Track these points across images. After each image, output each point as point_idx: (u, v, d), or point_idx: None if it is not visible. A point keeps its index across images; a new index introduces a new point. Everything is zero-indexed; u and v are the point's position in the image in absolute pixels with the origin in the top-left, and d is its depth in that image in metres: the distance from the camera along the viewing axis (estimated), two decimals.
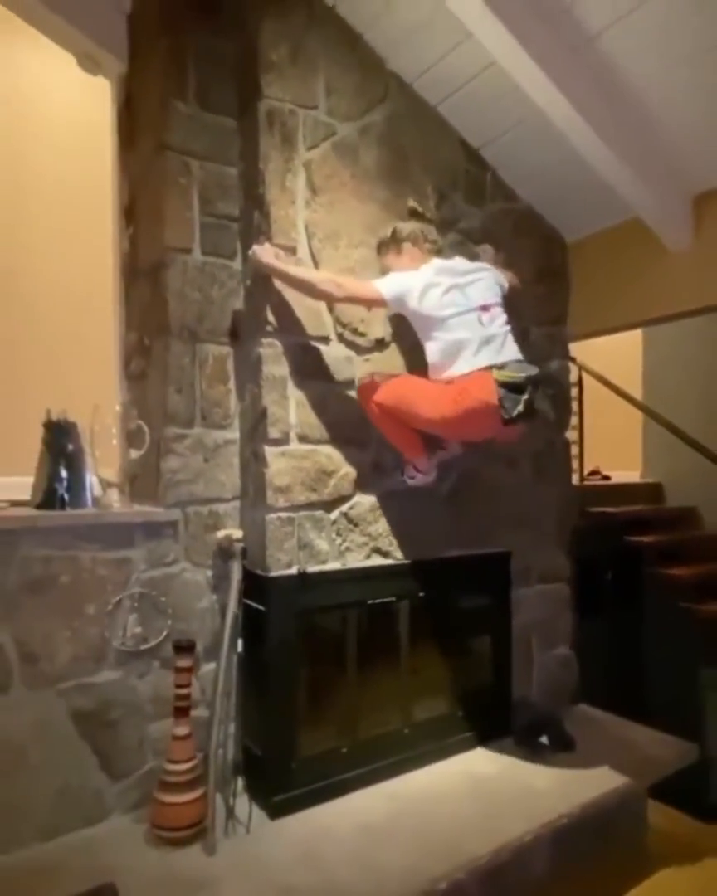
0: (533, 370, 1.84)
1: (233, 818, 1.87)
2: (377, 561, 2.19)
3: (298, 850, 1.77)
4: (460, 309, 1.91)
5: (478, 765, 2.26)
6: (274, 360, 2.00)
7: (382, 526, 2.20)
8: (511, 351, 1.93)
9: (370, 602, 2.17)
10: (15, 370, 2.82)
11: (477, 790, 2.10)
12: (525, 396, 1.79)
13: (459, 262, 2.04)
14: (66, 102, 3.05)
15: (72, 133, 3.02)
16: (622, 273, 2.65)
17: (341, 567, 2.11)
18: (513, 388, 1.79)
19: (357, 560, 2.14)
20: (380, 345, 2.21)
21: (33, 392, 2.79)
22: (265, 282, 1.98)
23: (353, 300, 1.96)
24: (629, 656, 3.58)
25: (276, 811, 1.91)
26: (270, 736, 1.96)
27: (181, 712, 1.83)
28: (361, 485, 2.15)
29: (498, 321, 1.95)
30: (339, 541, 2.11)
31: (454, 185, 2.43)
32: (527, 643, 2.61)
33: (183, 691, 1.83)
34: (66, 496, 1.96)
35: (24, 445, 2.06)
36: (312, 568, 2.04)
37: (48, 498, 1.95)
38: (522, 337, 2.62)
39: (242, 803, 1.93)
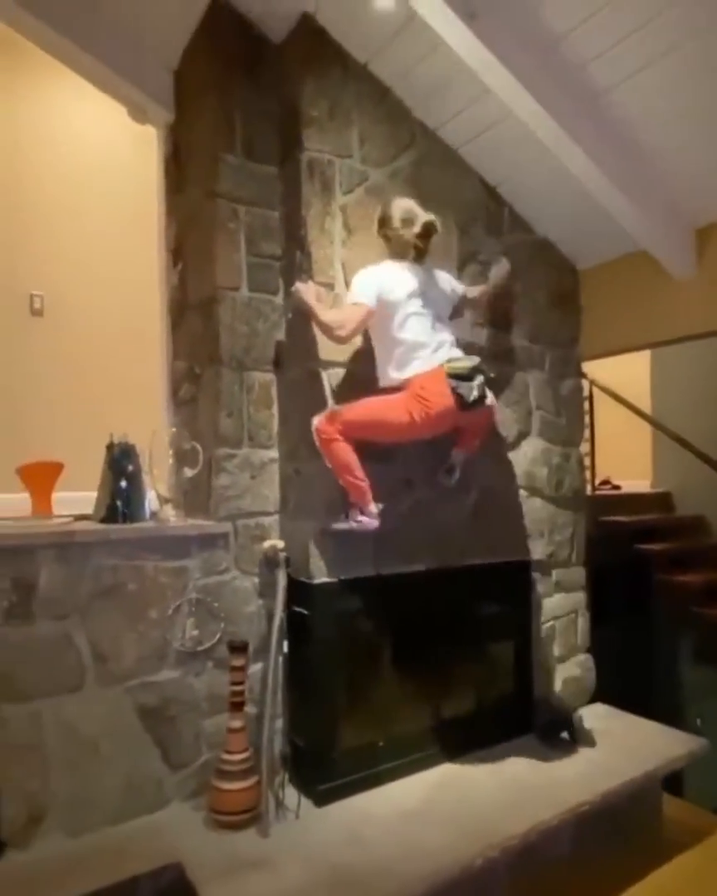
0: (476, 360, 2.09)
1: (282, 805, 2.04)
2: (410, 567, 2.37)
3: (343, 833, 1.95)
4: (421, 312, 2.11)
5: (503, 758, 2.43)
6: (312, 385, 2.19)
7: (411, 535, 2.38)
8: (454, 350, 2.15)
9: (403, 606, 2.35)
10: (71, 396, 3.05)
11: (504, 780, 2.27)
12: (476, 382, 2.03)
13: (425, 268, 2.21)
14: (108, 147, 3.29)
15: (116, 176, 3.26)
16: (630, 298, 2.84)
17: (377, 573, 2.29)
18: (463, 377, 2.03)
19: (391, 567, 2.33)
20: None
21: (86, 415, 3.02)
22: (305, 315, 2.18)
23: (357, 329, 2.08)
24: (639, 658, 3.75)
25: (321, 799, 2.09)
26: (314, 730, 2.14)
27: (236, 707, 2.02)
28: (392, 497, 2.34)
29: (447, 330, 2.18)
30: (373, 550, 2.29)
31: (474, 220, 2.63)
32: (548, 646, 2.78)
33: (238, 688, 2.02)
34: (126, 511, 2.16)
35: (80, 464, 2.27)
36: (350, 575, 2.23)
37: (111, 512, 2.15)
38: (539, 357, 2.83)
39: (289, 792, 2.10)
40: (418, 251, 2.19)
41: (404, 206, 2.18)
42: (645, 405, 4.55)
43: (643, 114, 2.14)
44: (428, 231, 2.16)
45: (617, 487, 5.00)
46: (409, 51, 2.20)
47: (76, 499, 2.28)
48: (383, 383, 2.17)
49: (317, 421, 2.08)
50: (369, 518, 2.14)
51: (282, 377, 2.31)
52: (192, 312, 2.43)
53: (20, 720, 1.83)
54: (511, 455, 2.72)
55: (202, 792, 2.09)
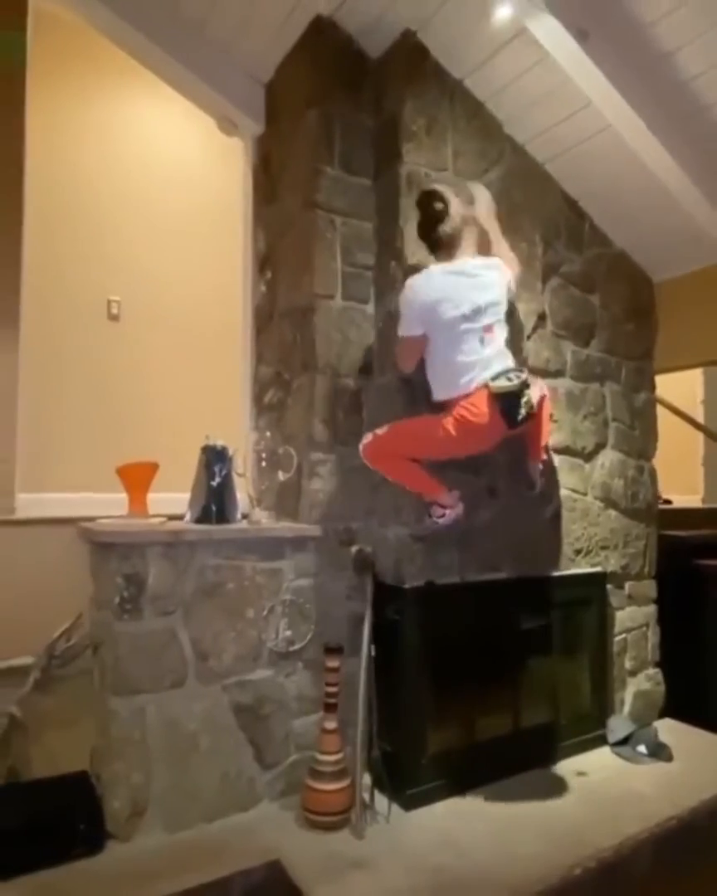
0: (522, 377, 1.98)
1: (371, 808, 2.06)
2: (491, 576, 2.39)
3: (436, 837, 1.96)
4: (470, 328, 1.99)
5: (583, 769, 2.42)
6: (401, 392, 2.23)
7: (494, 543, 2.40)
8: (500, 363, 2.02)
9: (486, 613, 2.36)
10: (147, 400, 3.12)
11: (586, 792, 2.26)
12: (524, 400, 1.96)
13: (468, 265, 2.05)
14: (186, 157, 3.37)
15: (193, 185, 3.34)
16: (707, 312, 2.85)
17: (461, 580, 2.31)
18: (510, 395, 1.96)
19: (474, 575, 2.35)
20: None
21: (162, 418, 3.08)
22: (394, 324, 2.22)
23: (414, 359, 2.11)
24: (698, 673, 3.70)
25: (409, 803, 2.10)
26: (403, 734, 2.16)
27: (330, 708, 2.04)
28: (476, 505, 2.36)
29: (497, 341, 2.04)
30: (458, 556, 2.32)
31: (557, 234, 2.67)
32: (620, 659, 2.77)
33: (332, 689, 2.05)
34: (219, 512, 2.21)
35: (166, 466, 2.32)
36: (437, 580, 2.25)
37: (205, 513, 2.20)
38: (615, 369, 2.85)
39: (378, 796, 2.12)
40: (451, 244, 2.05)
41: (439, 193, 2.05)
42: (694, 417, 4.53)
43: None
44: (431, 210, 2.03)
45: (668, 502, 4.97)
46: (508, 68, 2.25)
47: (159, 499, 2.33)
48: (435, 398, 2.14)
49: (362, 444, 2.11)
50: (449, 509, 2.17)
51: (372, 384, 2.35)
52: (281, 319, 2.48)
53: (127, 714, 1.88)
54: (587, 466, 2.73)
55: (290, 792, 2.12)
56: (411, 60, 2.27)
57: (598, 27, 1.91)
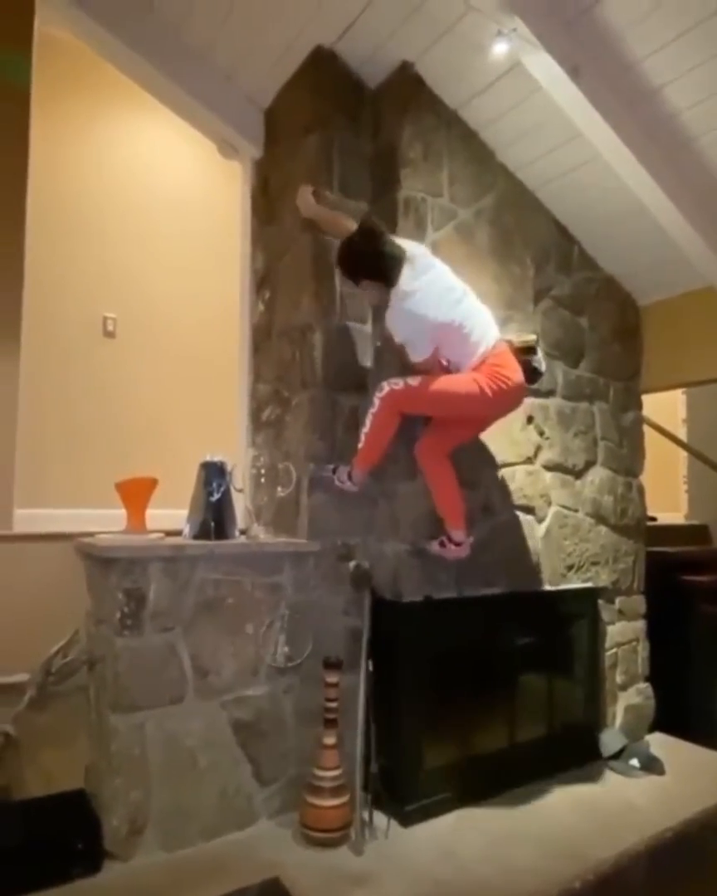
0: (534, 334, 2.06)
1: (370, 824, 2.06)
2: (487, 591, 2.42)
3: (436, 852, 1.97)
4: (458, 304, 2.02)
5: (576, 783, 2.45)
6: None
7: (490, 558, 2.44)
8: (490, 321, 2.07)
9: (482, 628, 2.39)
10: (142, 415, 3.13)
11: (581, 805, 2.29)
12: (541, 354, 2.04)
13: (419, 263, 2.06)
14: (183, 178, 3.43)
15: (190, 206, 3.40)
16: (694, 333, 2.94)
17: (457, 596, 2.34)
18: (531, 351, 2.01)
19: (470, 590, 2.38)
20: None
21: (157, 434, 3.10)
22: (390, 343, 2.27)
23: (436, 362, 2.10)
24: (683, 687, 3.75)
25: (408, 819, 2.11)
26: (401, 749, 2.17)
27: (330, 723, 2.05)
28: (472, 521, 2.40)
29: (472, 296, 2.07)
30: (455, 573, 2.35)
31: (548, 258, 2.75)
32: (612, 672, 2.81)
33: (332, 704, 2.06)
34: (218, 527, 2.22)
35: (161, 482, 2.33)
36: (434, 595, 2.28)
37: (204, 528, 2.20)
38: (604, 389, 2.92)
39: (375, 811, 2.12)
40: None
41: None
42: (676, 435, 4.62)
43: None
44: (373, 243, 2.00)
45: (653, 519, 5.05)
46: (501, 100, 2.34)
47: (154, 515, 2.34)
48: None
49: (388, 386, 2.03)
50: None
51: (369, 401, 2.38)
52: (280, 338, 2.52)
53: (127, 730, 1.87)
54: (578, 483, 2.79)
55: (288, 808, 2.12)
56: (409, 90, 2.35)
57: (590, 62, 2.01)
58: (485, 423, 2.26)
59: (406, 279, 2.01)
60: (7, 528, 2.18)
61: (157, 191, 3.38)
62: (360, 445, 2.14)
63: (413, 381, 2.03)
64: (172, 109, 2.74)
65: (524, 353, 1.98)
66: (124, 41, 2.42)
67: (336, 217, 2.20)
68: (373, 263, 2.01)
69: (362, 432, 2.14)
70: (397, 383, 2.04)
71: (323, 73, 2.38)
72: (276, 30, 2.34)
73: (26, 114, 2.34)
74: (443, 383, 2.04)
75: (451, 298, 2.03)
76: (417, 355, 2.06)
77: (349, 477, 2.20)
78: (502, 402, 2.07)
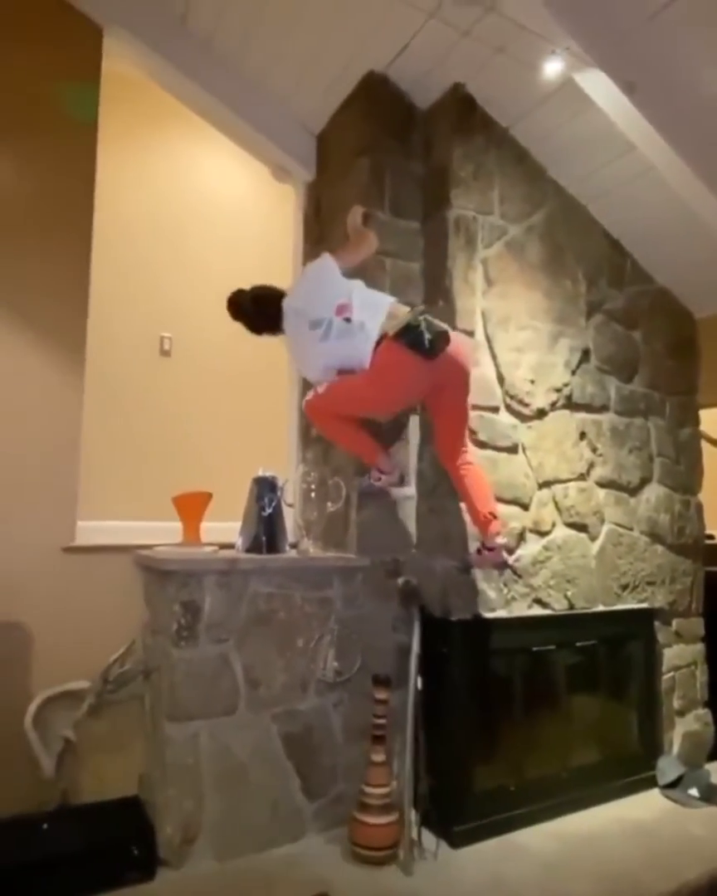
0: (417, 308, 2.01)
1: (418, 844, 2.04)
2: (538, 611, 2.39)
3: (486, 877, 1.93)
4: (324, 332, 2.04)
5: (632, 812, 2.37)
6: None
7: (541, 578, 2.41)
8: (374, 312, 2.02)
9: (533, 649, 2.36)
10: (196, 432, 3.22)
11: (638, 834, 2.21)
12: (420, 327, 1.91)
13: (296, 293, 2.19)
14: (236, 201, 3.54)
15: (243, 228, 3.50)
16: None
17: (508, 615, 2.31)
18: (405, 330, 1.93)
19: (521, 609, 2.35)
20: (541, 414, 2.47)
21: (211, 450, 3.17)
22: None
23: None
24: None
25: (457, 840, 2.08)
26: (450, 769, 2.15)
27: (379, 740, 2.05)
28: (523, 541, 2.38)
29: (358, 309, 2.02)
30: (505, 591, 2.32)
31: (600, 272, 2.72)
32: (669, 697, 2.72)
33: (380, 721, 2.05)
34: (269, 541, 2.26)
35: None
36: (484, 614, 2.26)
37: (255, 542, 2.25)
38: (659, 405, 2.86)
39: (424, 831, 2.10)
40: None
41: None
42: None
43: None
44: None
45: (711, 537, 4.87)
46: (553, 116, 2.35)
47: (207, 528, 2.39)
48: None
49: (306, 399, 2.19)
50: (386, 474, 2.22)
51: (418, 418, 2.40)
52: None
53: (182, 739, 1.91)
54: (632, 501, 2.73)
55: (335, 824, 2.12)
56: (460, 111, 2.38)
57: (644, 77, 1.99)
58: (407, 399, 2.22)
59: (287, 328, 2.18)
60: (70, 540, 2.27)
61: (211, 215, 3.50)
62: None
63: (320, 389, 2.15)
64: (229, 136, 2.85)
65: (405, 334, 1.93)
66: (186, 73, 2.54)
67: (366, 235, 2.22)
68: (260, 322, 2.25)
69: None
70: (309, 395, 2.18)
71: (375, 97, 2.44)
72: (329, 57, 2.41)
73: (93, 146, 2.46)
74: (340, 386, 2.12)
75: (314, 339, 2.07)
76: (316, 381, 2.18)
77: (379, 474, 2.23)
78: (405, 388, 2.07)
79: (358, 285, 2.11)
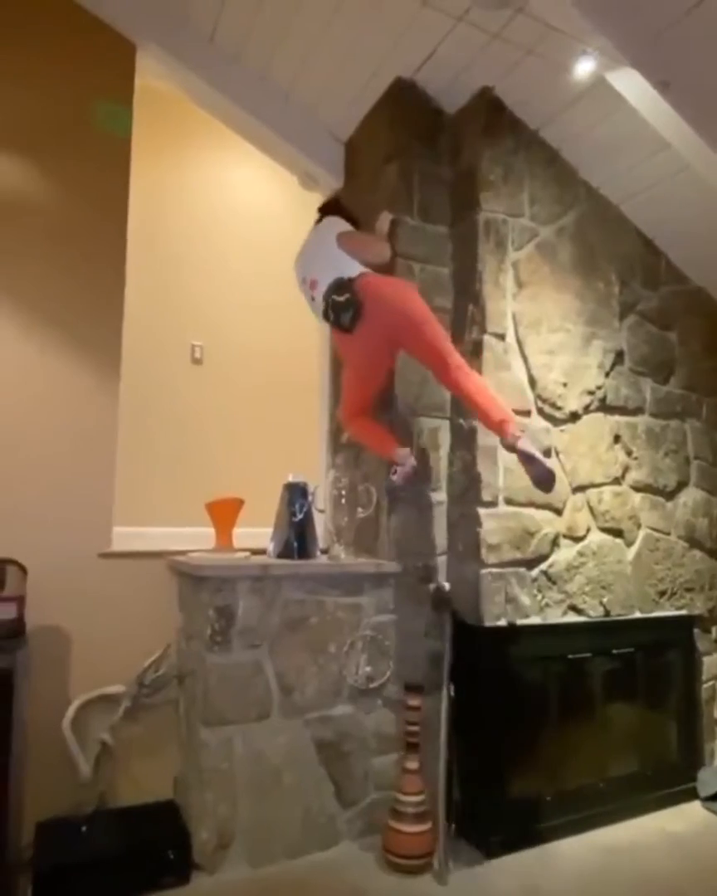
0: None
1: (451, 854, 2.02)
2: (572, 618, 2.35)
3: (522, 888, 1.90)
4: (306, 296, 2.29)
5: (672, 824, 2.31)
6: (485, 432, 2.25)
7: (576, 584, 2.37)
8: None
9: (569, 656, 2.32)
10: (226, 439, 3.25)
11: (679, 848, 2.15)
12: (327, 308, 2.12)
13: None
14: (265, 209, 3.57)
15: (272, 236, 3.52)
16: None
17: (542, 622, 2.28)
18: (324, 315, 2.16)
19: (555, 616, 2.31)
20: (574, 417, 2.44)
21: (241, 456, 3.20)
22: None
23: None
24: None
25: (492, 850, 2.05)
26: (484, 777, 2.12)
27: (412, 747, 2.04)
28: (556, 547, 2.35)
29: (319, 287, 2.17)
30: (539, 597, 2.29)
31: (633, 272, 2.68)
32: (709, 707, 2.65)
33: (413, 728, 2.05)
34: (300, 547, 2.27)
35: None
36: (517, 621, 2.23)
37: (287, 548, 2.26)
38: (696, 406, 2.80)
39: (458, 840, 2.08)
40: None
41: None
42: None
43: None
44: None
45: None
46: (583, 117, 2.32)
47: (237, 533, 2.41)
48: None
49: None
50: (400, 466, 2.14)
51: (452, 423, 2.39)
52: None
53: (216, 744, 1.93)
54: (669, 505, 2.67)
55: (369, 832, 2.11)
56: (489, 114, 2.37)
57: (678, 74, 1.96)
58: (376, 363, 2.25)
59: None
60: (106, 545, 2.31)
61: (241, 225, 3.54)
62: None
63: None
64: (258, 147, 2.88)
65: (325, 318, 2.19)
66: (216, 87, 2.58)
67: (380, 242, 2.27)
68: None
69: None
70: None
71: (402, 103, 2.44)
72: (356, 66, 2.42)
73: (127, 161, 2.51)
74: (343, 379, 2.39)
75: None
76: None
77: (395, 467, 2.15)
78: (361, 356, 2.22)
79: (338, 265, 2.16)
